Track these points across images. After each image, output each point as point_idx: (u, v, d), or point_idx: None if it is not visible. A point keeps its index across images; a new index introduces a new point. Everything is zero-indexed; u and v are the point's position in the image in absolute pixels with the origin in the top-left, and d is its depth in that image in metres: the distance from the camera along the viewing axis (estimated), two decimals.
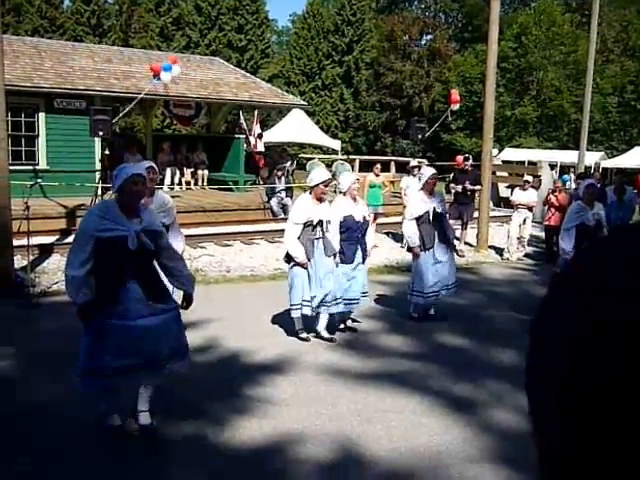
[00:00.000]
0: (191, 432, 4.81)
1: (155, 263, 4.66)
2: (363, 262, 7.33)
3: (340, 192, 7.36)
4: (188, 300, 4.88)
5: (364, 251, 7.31)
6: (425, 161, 23.29)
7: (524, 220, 13.34)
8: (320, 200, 6.79)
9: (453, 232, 8.55)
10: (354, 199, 7.22)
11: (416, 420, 5.13)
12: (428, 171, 8.16)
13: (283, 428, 4.89)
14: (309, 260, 6.73)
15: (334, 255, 6.94)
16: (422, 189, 7.97)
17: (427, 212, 7.80)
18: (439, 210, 7.94)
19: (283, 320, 7.78)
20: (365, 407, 5.38)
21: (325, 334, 7.13)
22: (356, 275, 7.24)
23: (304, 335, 7.12)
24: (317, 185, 6.73)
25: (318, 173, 7.00)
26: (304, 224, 6.69)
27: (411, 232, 7.82)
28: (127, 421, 4.74)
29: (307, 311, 6.88)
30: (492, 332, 7.73)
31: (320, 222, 6.76)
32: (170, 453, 4.53)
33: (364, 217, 7.29)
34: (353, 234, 7.13)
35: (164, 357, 4.54)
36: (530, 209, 13.48)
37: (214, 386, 5.66)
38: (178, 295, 5.03)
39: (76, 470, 4.26)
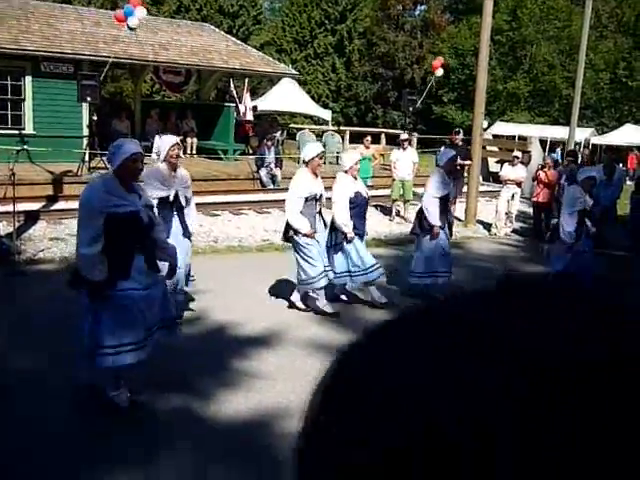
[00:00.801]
0: (177, 405, 4.82)
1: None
2: (364, 236, 7.60)
3: (342, 170, 7.42)
4: (173, 271, 4.98)
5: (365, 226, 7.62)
6: (415, 134, 23.23)
7: (512, 196, 13.35)
8: (315, 174, 6.86)
9: (452, 218, 8.63)
10: (355, 177, 7.32)
11: None
12: (449, 152, 8.28)
13: (269, 402, 4.92)
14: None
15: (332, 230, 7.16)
16: (443, 169, 7.97)
17: (448, 193, 7.89)
18: (451, 192, 8.12)
19: (271, 292, 7.80)
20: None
21: (329, 309, 7.16)
22: (355, 254, 7.34)
23: (330, 309, 7.15)
24: (312, 159, 6.79)
25: (311, 147, 7.08)
26: (306, 198, 6.72)
27: (435, 210, 7.76)
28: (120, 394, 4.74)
29: (331, 275, 6.98)
30: None
31: (321, 196, 6.90)
32: (155, 426, 4.54)
33: (367, 193, 7.57)
34: (361, 209, 7.35)
35: (154, 327, 4.60)
36: (519, 185, 13.49)
37: (200, 359, 5.67)
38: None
39: (60, 438, 4.27)
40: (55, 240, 9.81)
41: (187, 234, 6.30)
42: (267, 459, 4.15)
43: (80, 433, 4.39)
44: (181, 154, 6.61)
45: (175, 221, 6.15)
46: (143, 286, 4.45)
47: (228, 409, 4.79)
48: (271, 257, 9.77)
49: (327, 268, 6.94)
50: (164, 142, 6.15)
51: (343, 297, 7.69)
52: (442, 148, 16.07)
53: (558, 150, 21.27)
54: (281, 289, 7.92)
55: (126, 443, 4.29)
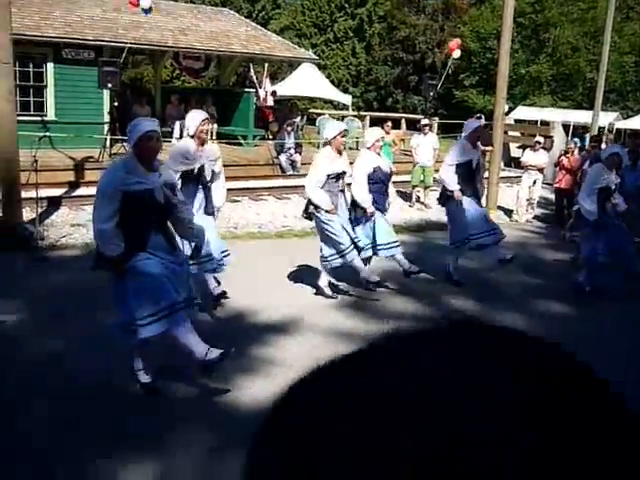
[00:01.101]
0: (194, 390, 4.87)
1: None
2: (385, 212, 7.60)
3: (366, 147, 7.48)
4: (198, 252, 5.16)
5: (387, 201, 7.63)
6: (436, 118, 23.04)
7: (534, 182, 13.22)
8: (340, 152, 6.89)
9: (483, 188, 8.55)
10: (378, 154, 7.35)
11: None
12: (474, 123, 8.29)
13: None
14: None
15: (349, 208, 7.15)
16: (466, 139, 7.95)
17: (470, 161, 7.78)
18: (478, 162, 7.97)
19: (290, 278, 7.81)
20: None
21: (374, 277, 7.19)
22: (377, 229, 7.37)
23: (375, 278, 7.18)
24: (335, 137, 6.81)
25: (332, 126, 7.17)
26: (328, 175, 6.73)
27: (450, 176, 7.76)
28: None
29: (357, 255, 6.99)
30: (498, 295, 7.74)
31: (344, 173, 6.92)
32: (172, 410, 4.59)
33: (390, 168, 7.54)
34: (382, 185, 7.35)
35: (183, 305, 4.63)
36: (540, 171, 13.35)
37: (219, 344, 5.68)
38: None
39: (76, 421, 4.32)
40: (77, 226, 9.90)
41: (210, 210, 6.27)
42: None
43: (96, 416, 4.44)
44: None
45: (199, 196, 6.13)
46: (164, 261, 4.52)
47: (245, 395, 4.82)
48: (291, 243, 9.79)
49: (356, 239, 6.96)
50: (194, 117, 6.16)
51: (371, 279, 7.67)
52: (463, 133, 15.96)
53: (587, 136, 20.90)
54: (300, 275, 7.94)
55: (142, 427, 4.34)
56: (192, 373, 5.05)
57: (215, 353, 4.58)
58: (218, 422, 4.45)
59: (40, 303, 6.55)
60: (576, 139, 15.28)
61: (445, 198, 8.01)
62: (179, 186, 5.58)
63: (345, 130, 7.06)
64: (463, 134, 8.19)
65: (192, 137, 6.05)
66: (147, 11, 14.18)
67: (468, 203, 7.77)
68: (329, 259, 7.00)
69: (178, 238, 4.94)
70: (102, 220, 4.39)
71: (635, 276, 7.87)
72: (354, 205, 7.22)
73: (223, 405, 4.68)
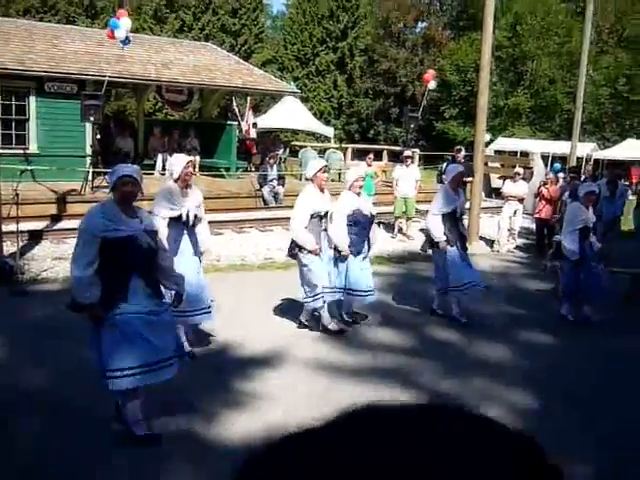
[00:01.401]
0: (178, 425, 4.81)
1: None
2: (367, 257, 7.45)
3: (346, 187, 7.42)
4: (180, 299, 4.98)
5: (369, 245, 7.45)
6: (417, 150, 23.28)
7: (514, 212, 13.38)
8: (322, 190, 6.87)
9: (466, 232, 8.47)
10: (357, 194, 7.28)
11: None
12: (455, 168, 8.31)
13: (271, 423, 4.89)
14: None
15: (335, 247, 7.07)
16: (449, 185, 7.94)
17: (455, 209, 7.79)
18: (461, 208, 7.96)
19: (273, 311, 7.80)
20: (352, 402, 5.37)
21: (333, 326, 7.15)
22: (363, 268, 7.30)
23: (335, 327, 7.14)
24: (315, 175, 6.81)
25: (314, 163, 7.17)
26: (311, 215, 6.73)
27: (437, 226, 7.76)
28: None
29: (329, 298, 6.95)
30: (481, 326, 7.76)
31: (326, 213, 6.88)
32: (159, 447, 4.53)
33: (370, 211, 7.41)
34: (361, 227, 7.26)
35: (173, 356, 4.57)
36: (521, 201, 13.53)
37: (203, 378, 5.66)
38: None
39: (59, 456, 4.26)
40: (58, 259, 9.83)
41: (197, 252, 6.18)
42: None
43: (79, 452, 4.38)
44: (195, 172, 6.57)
45: (185, 240, 6.05)
46: (147, 310, 4.45)
47: (230, 430, 4.78)
48: (274, 275, 9.78)
49: (326, 289, 6.87)
50: (177, 161, 6.08)
51: (345, 317, 7.65)
52: (444, 165, 16.14)
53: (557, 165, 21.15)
54: (284, 308, 7.93)
55: (127, 462, 4.28)
56: (175, 407, 5.01)
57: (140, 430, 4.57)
58: (201, 457, 4.40)
59: (20, 337, 6.48)
60: (556, 165, 15.50)
61: (431, 244, 7.99)
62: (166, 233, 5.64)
63: (326, 166, 7.04)
64: (445, 179, 8.20)
65: (176, 181, 5.97)
66: (125, 42, 14.10)
67: (453, 254, 7.73)
68: (303, 299, 6.99)
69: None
70: (80, 267, 4.35)
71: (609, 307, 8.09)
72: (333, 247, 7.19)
73: (206, 440, 4.64)
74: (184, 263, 5.72)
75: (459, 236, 7.84)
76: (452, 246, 7.72)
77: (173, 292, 5.00)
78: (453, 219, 7.79)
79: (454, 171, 8.06)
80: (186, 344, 6.04)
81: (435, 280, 8.09)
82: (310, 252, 6.74)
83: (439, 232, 7.72)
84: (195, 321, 6.24)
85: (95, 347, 4.46)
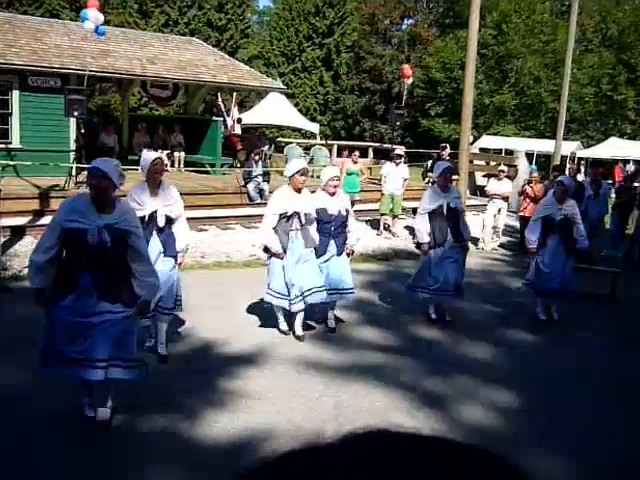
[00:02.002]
0: (161, 426, 4.79)
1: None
2: (339, 255, 7.21)
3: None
4: (142, 307, 4.72)
5: (340, 244, 7.20)
6: (403, 147, 23.32)
7: (499, 210, 13.45)
8: (298, 191, 6.72)
9: (469, 231, 8.16)
10: (331, 194, 7.08)
11: (387, 415, 5.17)
12: (442, 165, 8.12)
13: (255, 422, 4.90)
14: (284, 251, 6.68)
15: (315, 247, 6.87)
16: (436, 183, 7.83)
17: (441, 206, 7.62)
18: (453, 205, 7.69)
19: (258, 310, 7.77)
20: (337, 401, 5.40)
21: (299, 332, 6.96)
22: (329, 267, 7.12)
23: (284, 327, 7.06)
24: (293, 175, 6.66)
25: (293, 164, 6.95)
26: (280, 215, 6.65)
27: (421, 227, 7.67)
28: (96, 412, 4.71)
29: (282, 304, 6.80)
30: (465, 324, 7.80)
31: (296, 214, 6.66)
32: (140, 446, 4.51)
33: (339, 211, 7.12)
34: (325, 227, 7.04)
35: (101, 359, 4.43)
36: (505, 199, 13.59)
37: (187, 378, 5.65)
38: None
39: (44, 460, 4.23)
40: None
41: (171, 253, 5.88)
42: None
43: (62, 453, 4.35)
44: (168, 168, 6.20)
45: (153, 242, 5.71)
46: (82, 311, 4.37)
47: (214, 429, 4.77)
48: (258, 272, 9.72)
49: (280, 295, 6.72)
50: (145, 158, 5.83)
51: (331, 316, 7.59)
52: (429, 162, 16.19)
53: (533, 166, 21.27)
54: (269, 306, 7.90)
55: (109, 464, 4.26)
56: (158, 406, 5.00)
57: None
58: (186, 457, 4.39)
59: (5, 335, 6.42)
60: (533, 167, 15.66)
61: (416, 244, 7.98)
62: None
63: (305, 169, 6.80)
64: (433, 177, 8.07)
65: (146, 180, 5.76)
66: (98, 33, 13.94)
67: (433, 256, 7.64)
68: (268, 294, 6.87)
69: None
70: (38, 250, 4.45)
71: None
72: None
73: (189, 439, 4.62)
74: (157, 266, 5.46)
75: (450, 235, 7.61)
76: (434, 248, 7.62)
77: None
78: (441, 217, 7.63)
79: (442, 167, 7.92)
80: (161, 347, 6.03)
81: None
82: (274, 255, 6.67)
83: (422, 233, 7.67)
84: (159, 319, 5.97)
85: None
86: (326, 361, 6.34)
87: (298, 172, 6.65)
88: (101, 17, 13.70)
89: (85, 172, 14.30)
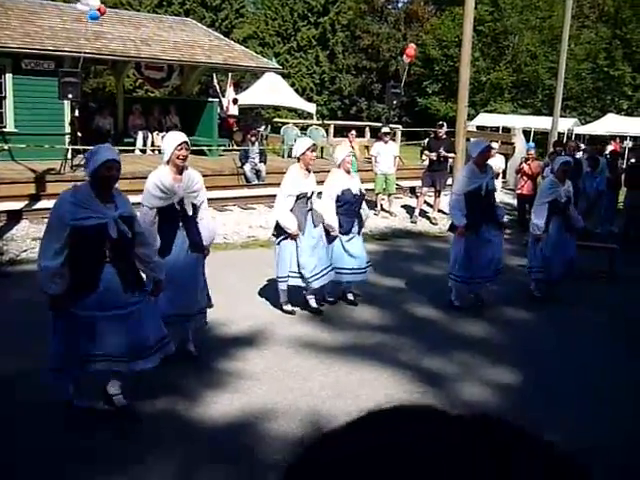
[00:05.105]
0: (161, 407, 4.81)
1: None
2: (359, 234, 7.36)
3: (336, 165, 7.31)
4: (159, 286, 4.78)
5: (360, 223, 7.37)
6: (400, 126, 23.21)
7: None
8: (308, 170, 6.77)
9: (502, 210, 7.86)
10: (348, 172, 7.20)
11: (386, 394, 5.18)
12: (481, 143, 7.64)
13: (255, 403, 4.91)
14: (302, 232, 6.73)
15: (322, 225, 6.97)
16: (474, 162, 7.39)
17: (479, 187, 7.24)
18: (490, 187, 7.39)
19: (256, 291, 7.78)
20: (336, 381, 5.42)
21: (313, 303, 7.12)
22: (352, 246, 7.22)
23: (289, 308, 7.09)
24: (303, 154, 6.69)
25: (301, 142, 6.97)
26: (297, 197, 6.66)
27: (458, 208, 7.25)
28: (99, 402, 4.71)
29: (295, 282, 6.85)
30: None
31: (312, 193, 6.80)
32: (140, 428, 4.53)
33: (360, 190, 7.28)
34: (351, 207, 7.16)
35: (150, 345, 4.53)
36: (497, 176, 13.54)
37: (185, 360, 5.64)
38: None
39: (44, 444, 4.24)
40: (38, 240, 9.66)
41: (198, 247, 5.51)
42: (253, 461, 4.15)
43: (63, 436, 4.36)
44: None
45: (181, 234, 5.37)
46: (113, 305, 4.33)
47: (213, 410, 4.78)
48: (256, 253, 9.76)
49: (294, 274, 6.78)
50: (168, 140, 5.32)
51: (329, 298, 7.61)
52: (426, 140, 16.11)
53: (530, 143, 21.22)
54: (267, 287, 7.91)
55: (110, 446, 4.27)
56: (157, 387, 5.00)
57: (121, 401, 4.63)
58: (185, 439, 4.40)
59: (4, 319, 6.41)
60: (530, 143, 15.61)
61: (452, 228, 7.56)
62: (156, 224, 5.19)
63: (314, 145, 6.88)
64: (471, 155, 7.49)
65: (167, 164, 5.31)
66: (93, 16, 13.87)
67: (469, 242, 7.30)
68: (281, 280, 6.90)
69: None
70: (47, 256, 4.18)
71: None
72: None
73: (190, 420, 4.63)
74: (179, 262, 5.30)
75: (485, 218, 7.30)
76: (472, 231, 7.24)
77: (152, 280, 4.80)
78: (479, 198, 7.24)
79: (481, 145, 7.42)
80: (191, 345, 5.75)
81: (450, 264, 7.62)
82: (289, 235, 6.67)
83: (459, 216, 7.23)
84: (190, 327, 5.75)
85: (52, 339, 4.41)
86: (325, 341, 6.35)
87: (308, 149, 6.70)
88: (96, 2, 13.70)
89: (80, 156, 14.31)
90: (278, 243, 6.85)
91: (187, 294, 5.39)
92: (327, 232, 7.05)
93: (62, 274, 4.21)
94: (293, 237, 6.67)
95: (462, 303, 7.60)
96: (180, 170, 5.30)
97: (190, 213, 5.37)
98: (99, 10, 13.74)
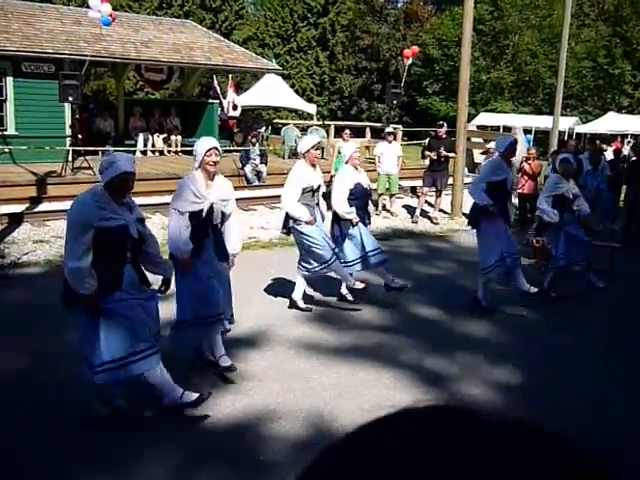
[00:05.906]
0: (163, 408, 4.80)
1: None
2: (367, 225, 7.56)
3: (343, 161, 7.53)
4: (168, 284, 4.94)
5: (369, 218, 7.63)
6: (400, 126, 23.22)
7: None
8: (313, 165, 6.87)
9: (512, 209, 8.04)
10: (355, 167, 7.35)
11: (388, 394, 5.18)
12: (508, 138, 7.96)
13: (256, 404, 4.91)
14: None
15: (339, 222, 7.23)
16: (501, 156, 7.50)
17: (505, 179, 7.35)
18: (510, 182, 7.54)
19: (257, 292, 7.78)
20: (338, 381, 5.42)
21: (359, 284, 7.25)
22: (364, 234, 7.35)
23: (303, 305, 7.19)
24: (308, 150, 6.80)
25: (307, 139, 7.15)
26: (303, 189, 6.73)
27: (479, 190, 7.27)
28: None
29: (326, 271, 6.99)
30: (466, 303, 7.78)
31: (319, 187, 6.90)
32: (141, 429, 4.53)
33: (369, 184, 7.56)
34: (362, 201, 7.36)
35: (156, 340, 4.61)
36: None
37: (188, 359, 5.64)
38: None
39: (44, 444, 4.24)
40: (39, 242, 9.74)
41: (223, 257, 5.45)
42: (255, 461, 4.15)
43: (63, 436, 4.36)
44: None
45: (208, 242, 5.30)
46: (136, 297, 4.46)
47: (215, 411, 4.78)
48: (257, 255, 9.75)
49: (336, 250, 6.96)
50: (199, 146, 5.28)
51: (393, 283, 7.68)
52: (427, 140, 16.10)
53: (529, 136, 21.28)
54: (268, 288, 7.92)
55: (110, 445, 4.28)
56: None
57: (191, 397, 4.54)
58: (186, 439, 4.40)
59: (5, 321, 6.42)
60: (528, 136, 15.61)
61: (476, 218, 7.50)
62: (190, 229, 5.15)
63: (319, 142, 7.06)
64: (499, 150, 7.60)
65: (198, 169, 5.28)
66: (106, 22, 14.03)
67: (501, 231, 7.37)
68: (311, 270, 6.98)
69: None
70: (75, 257, 4.22)
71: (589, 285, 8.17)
72: (337, 220, 7.25)
73: (192, 422, 4.63)
74: (206, 270, 5.23)
75: (507, 215, 7.46)
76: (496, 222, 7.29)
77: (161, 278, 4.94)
78: (503, 193, 7.33)
79: (507, 140, 7.63)
80: (225, 358, 5.44)
81: (480, 259, 7.59)
82: (307, 223, 6.73)
83: (483, 197, 7.22)
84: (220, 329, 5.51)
85: (87, 339, 4.38)
86: (326, 342, 6.35)
87: (313, 147, 6.84)
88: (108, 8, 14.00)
89: (82, 158, 14.32)
90: (301, 237, 6.85)
91: (212, 298, 5.26)
92: (349, 221, 7.17)
93: (92, 274, 4.26)
94: (310, 223, 6.71)
95: (487, 302, 7.58)
96: (211, 176, 5.29)
97: (218, 221, 5.36)
98: (110, 16, 13.98)
